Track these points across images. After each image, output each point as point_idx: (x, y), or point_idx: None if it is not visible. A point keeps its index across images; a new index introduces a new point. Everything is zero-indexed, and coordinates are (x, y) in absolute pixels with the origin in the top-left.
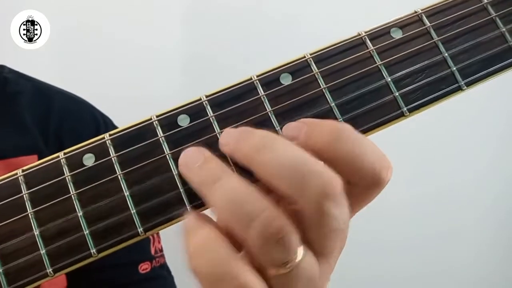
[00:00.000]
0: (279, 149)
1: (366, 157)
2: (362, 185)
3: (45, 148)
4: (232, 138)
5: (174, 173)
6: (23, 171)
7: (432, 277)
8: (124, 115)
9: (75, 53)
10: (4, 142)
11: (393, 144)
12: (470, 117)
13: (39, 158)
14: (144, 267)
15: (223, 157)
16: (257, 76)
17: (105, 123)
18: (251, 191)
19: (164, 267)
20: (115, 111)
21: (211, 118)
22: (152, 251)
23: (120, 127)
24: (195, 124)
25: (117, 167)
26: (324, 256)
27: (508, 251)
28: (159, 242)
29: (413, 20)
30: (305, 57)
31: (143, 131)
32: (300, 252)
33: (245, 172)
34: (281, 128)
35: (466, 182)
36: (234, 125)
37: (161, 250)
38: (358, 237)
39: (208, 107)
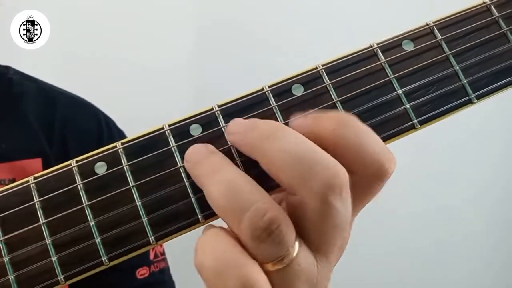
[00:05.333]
0: (285, 138)
1: (371, 146)
2: (364, 175)
3: (49, 150)
4: (240, 126)
5: (186, 183)
6: (34, 178)
7: (432, 283)
8: (125, 116)
9: (75, 53)
10: (9, 144)
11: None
12: (472, 121)
13: (43, 161)
14: (142, 272)
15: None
16: (269, 87)
17: (107, 125)
18: (248, 182)
19: (164, 272)
20: (115, 112)
21: (223, 128)
22: (151, 256)
23: (132, 136)
24: (207, 134)
25: (129, 176)
26: (323, 253)
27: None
28: (161, 245)
29: (425, 33)
30: (317, 68)
31: (155, 140)
32: (296, 247)
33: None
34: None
35: (467, 185)
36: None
37: (163, 254)
38: (356, 241)
39: (220, 117)
